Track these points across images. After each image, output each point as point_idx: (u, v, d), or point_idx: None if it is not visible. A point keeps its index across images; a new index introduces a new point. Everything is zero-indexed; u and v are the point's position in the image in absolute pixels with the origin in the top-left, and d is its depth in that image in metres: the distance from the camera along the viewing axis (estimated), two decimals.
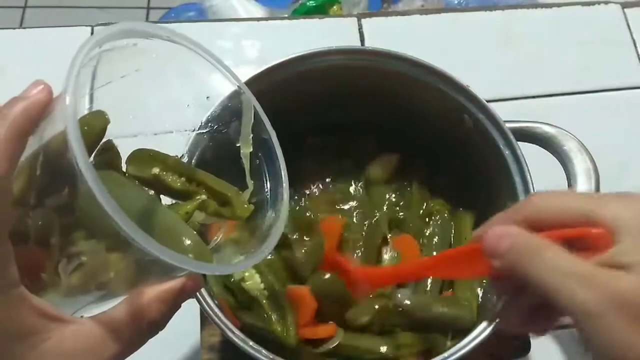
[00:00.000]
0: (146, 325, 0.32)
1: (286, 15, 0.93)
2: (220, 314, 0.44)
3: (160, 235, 0.32)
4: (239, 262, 0.34)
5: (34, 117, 0.29)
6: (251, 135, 0.39)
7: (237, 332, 0.43)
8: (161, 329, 0.33)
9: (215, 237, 0.38)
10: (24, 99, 0.29)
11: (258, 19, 0.83)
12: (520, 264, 0.34)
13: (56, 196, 0.30)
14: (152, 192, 0.37)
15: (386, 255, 0.55)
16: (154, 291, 0.32)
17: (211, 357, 0.53)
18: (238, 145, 0.40)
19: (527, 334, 0.39)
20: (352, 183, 0.59)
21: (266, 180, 0.39)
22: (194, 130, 0.42)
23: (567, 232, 0.34)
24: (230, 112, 0.39)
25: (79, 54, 0.29)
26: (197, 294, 0.44)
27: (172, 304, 0.33)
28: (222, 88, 0.38)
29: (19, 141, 0.29)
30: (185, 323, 0.55)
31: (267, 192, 0.39)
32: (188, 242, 0.33)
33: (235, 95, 0.39)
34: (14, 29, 0.81)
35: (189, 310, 0.51)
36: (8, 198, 0.28)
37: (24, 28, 0.84)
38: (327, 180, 0.60)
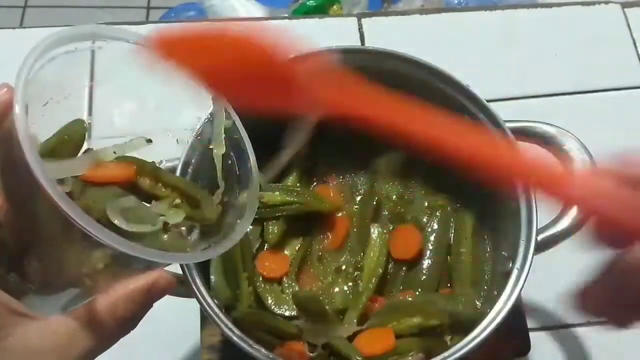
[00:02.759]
0: (115, 324, 0.32)
1: (286, 15, 0.93)
2: (220, 314, 0.44)
3: (135, 231, 0.34)
4: (206, 250, 0.37)
5: None
6: (223, 135, 0.41)
7: (237, 332, 0.43)
8: (133, 328, 0.34)
9: (189, 237, 0.40)
10: None
11: (258, 19, 0.83)
12: None
13: (18, 195, 0.31)
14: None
15: (374, 234, 0.55)
16: (122, 290, 0.32)
17: (211, 357, 0.53)
18: (211, 147, 0.41)
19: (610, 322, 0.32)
20: (359, 177, 0.59)
21: (239, 184, 0.41)
22: (181, 142, 0.45)
23: None
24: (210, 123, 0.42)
25: (24, 67, 0.30)
26: (197, 293, 0.44)
27: (142, 303, 0.33)
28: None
29: None
30: (185, 323, 0.55)
31: (237, 194, 0.41)
32: (164, 237, 0.35)
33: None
34: (14, 29, 0.80)
35: (189, 310, 0.51)
36: None
37: (24, 28, 0.84)
38: (335, 174, 0.60)
